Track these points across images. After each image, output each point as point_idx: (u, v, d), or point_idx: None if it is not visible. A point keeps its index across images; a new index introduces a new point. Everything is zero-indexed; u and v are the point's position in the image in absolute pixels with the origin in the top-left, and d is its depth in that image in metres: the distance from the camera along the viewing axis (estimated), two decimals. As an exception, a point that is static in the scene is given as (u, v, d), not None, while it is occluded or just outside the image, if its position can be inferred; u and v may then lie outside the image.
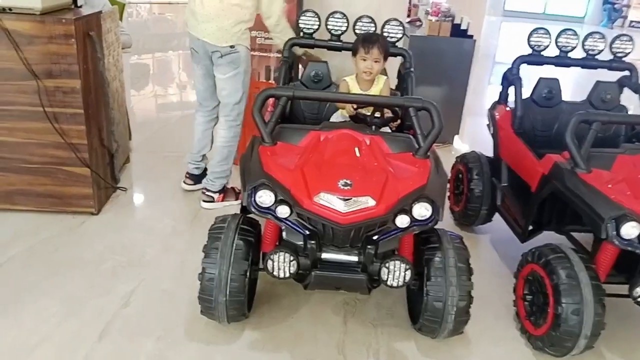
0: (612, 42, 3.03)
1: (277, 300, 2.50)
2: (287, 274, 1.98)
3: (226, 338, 2.24)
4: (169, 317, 2.35)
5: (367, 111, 2.54)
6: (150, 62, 7.85)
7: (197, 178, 3.51)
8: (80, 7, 3.42)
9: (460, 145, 4.82)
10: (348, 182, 1.99)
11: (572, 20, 16.80)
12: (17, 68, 2.73)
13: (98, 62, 3.00)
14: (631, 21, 16.28)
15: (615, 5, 16.36)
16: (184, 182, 3.55)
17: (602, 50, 3.04)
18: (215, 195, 3.33)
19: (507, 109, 3.04)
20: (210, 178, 3.32)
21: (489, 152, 3.18)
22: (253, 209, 2.04)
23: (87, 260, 2.73)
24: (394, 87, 3.10)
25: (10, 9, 2.66)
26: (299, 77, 3.13)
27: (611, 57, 3.05)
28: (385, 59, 2.73)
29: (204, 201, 3.33)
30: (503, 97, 3.12)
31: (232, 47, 3.02)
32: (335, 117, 2.85)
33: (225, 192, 3.38)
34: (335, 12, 2.98)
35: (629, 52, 3.04)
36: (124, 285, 2.55)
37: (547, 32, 3.01)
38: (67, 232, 2.97)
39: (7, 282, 2.52)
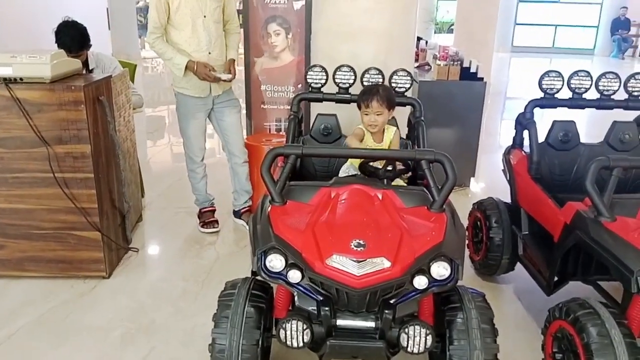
0: (627, 81, 2.96)
1: (292, 367, 2.40)
2: (301, 344, 1.88)
3: (240, 410, 2.13)
4: (181, 388, 2.25)
5: (378, 164, 2.48)
6: (166, 114, 7.95)
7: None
8: (92, 71, 3.50)
9: (477, 187, 4.72)
10: (361, 242, 1.91)
11: (581, 52, 16.85)
12: (27, 136, 2.76)
13: (108, 125, 3.01)
14: (642, 51, 16.26)
15: (624, 36, 16.37)
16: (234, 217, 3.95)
17: (617, 90, 2.97)
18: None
19: (523, 153, 2.97)
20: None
21: (506, 195, 3.08)
22: (263, 274, 1.96)
23: (96, 327, 2.66)
24: (404, 137, 3.06)
25: (20, 79, 2.70)
26: (309, 130, 3.10)
27: (626, 96, 2.98)
28: (389, 109, 2.69)
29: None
30: (518, 142, 3.04)
31: (231, 88, 3.54)
32: (345, 168, 2.80)
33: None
34: (343, 65, 2.97)
35: (646, 91, 2.97)
36: (133, 354, 2.48)
37: (559, 75, 2.95)
38: (78, 298, 2.92)
39: (15, 353, 2.46)
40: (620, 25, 16.31)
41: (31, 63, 2.67)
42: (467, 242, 3.28)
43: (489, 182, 4.84)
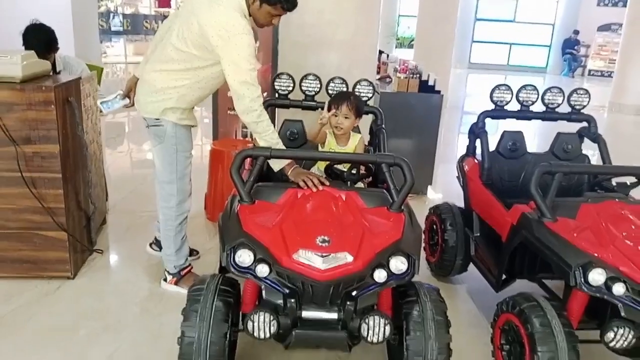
0: (570, 95, 3.21)
1: (258, 360, 2.49)
2: (268, 335, 1.98)
3: (207, 402, 2.20)
4: (148, 383, 2.31)
5: (343, 167, 2.63)
6: (125, 121, 7.91)
7: (160, 244, 3.22)
8: (59, 72, 3.52)
9: (434, 195, 4.94)
10: (326, 238, 2.04)
11: (534, 70, 17.65)
12: (-5, 135, 2.77)
13: (77, 126, 3.05)
14: (590, 70, 17.18)
15: (575, 56, 17.26)
16: (150, 244, 3.46)
17: (560, 104, 3.21)
18: (169, 277, 3.05)
19: (475, 161, 3.17)
20: (162, 256, 3.08)
21: (461, 201, 3.28)
22: (232, 269, 2.06)
23: (62, 327, 2.68)
24: (367, 143, 3.21)
25: (-10, 79, 2.72)
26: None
27: (569, 109, 3.23)
28: (356, 116, 2.84)
29: (163, 279, 3.10)
30: (470, 150, 3.26)
31: (157, 119, 2.75)
32: (312, 171, 2.92)
33: (180, 277, 3.04)
34: (309, 74, 3.11)
35: (586, 105, 3.22)
36: (99, 352, 2.51)
37: (509, 88, 3.18)
38: (42, 298, 2.92)
39: (-21, 353, 2.45)
40: (570, 45, 17.19)
41: (2, 63, 2.70)
42: (424, 245, 3.46)
43: (445, 190, 5.06)
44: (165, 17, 15.35)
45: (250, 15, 2.60)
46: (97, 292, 3.02)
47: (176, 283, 3.04)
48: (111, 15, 14.53)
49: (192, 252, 3.33)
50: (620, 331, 2.04)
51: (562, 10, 17.64)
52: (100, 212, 3.74)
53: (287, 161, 2.55)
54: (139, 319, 2.80)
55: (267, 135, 2.59)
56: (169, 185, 2.88)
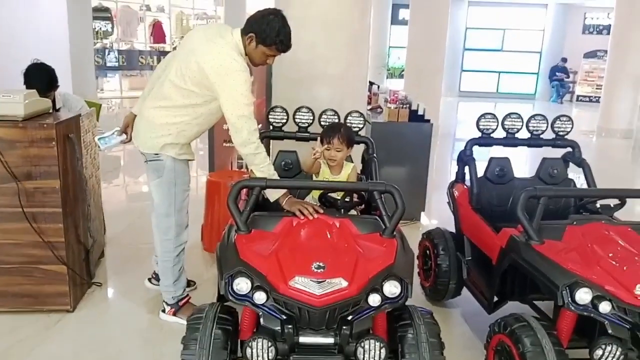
0: (554, 122, 3.33)
1: (257, 387, 2.51)
2: (267, 360, 2.03)
3: None
4: (149, 413, 2.34)
5: (337, 195, 2.72)
6: (122, 155, 8.01)
7: (158, 278, 3.24)
8: (59, 110, 3.62)
9: (427, 221, 5.02)
10: (321, 264, 2.11)
11: (523, 97, 17.97)
12: (-3, 171, 2.85)
13: (77, 162, 3.13)
14: (578, 96, 17.50)
15: (563, 82, 17.63)
16: (149, 279, 3.47)
17: (544, 130, 3.33)
18: (167, 308, 3.10)
19: (464, 187, 3.27)
20: (161, 288, 3.14)
21: (453, 227, 3.36)
22: (230, 297, 2.12)
23: (63, 359, 2.71)
24: (359, 172, 3.31)
25: (-7, 117, 2.82)
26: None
27: (554, 135, 3.35)
28: (348, 146, 2.94)
29: (161, 310, 3.15)
30: (460, 176, 3.36)
31: (156, 154, 2.83)
32: (307, 200, 3.01)
33: (179, 308, 3.09)
34: (302, 106, 3.23)
35: (570, 131, 3.34)
36: (102, 382, 2.55)
37: (494, 117, 3.30)
38: (43, 331, 2.96)
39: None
40: (558, 70, 17.57)
41: (5, 102, 2.80)
42: (417, 270, 3.53)
43: (439, 216, 5.14)
44: (160, 52, 15.73)
45: (246, 54, 2.73)
46: (97, 324, 3.06)
47: (174, 314, 3.08)
48: (106, 51, 14.78)
49: (190, 283, 3.38)
50: (608, 348, 2.10)
51: (549, 38, 18.09)
52: (99, 245, 3.79)
53: (283, 192, 2.63)
54: (140, 349, 2.84)
55: (264, 167, 2.69)
56: (167, 218, 2.95)
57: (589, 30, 17.84)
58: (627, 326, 2.13)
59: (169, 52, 15.00)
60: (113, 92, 14.93)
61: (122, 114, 12.33)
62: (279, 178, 2.79)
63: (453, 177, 3.51)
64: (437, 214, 5.23)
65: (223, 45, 2.65)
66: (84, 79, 11.11)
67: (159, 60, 14.87)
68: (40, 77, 3.49)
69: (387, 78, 16.48)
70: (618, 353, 2.10)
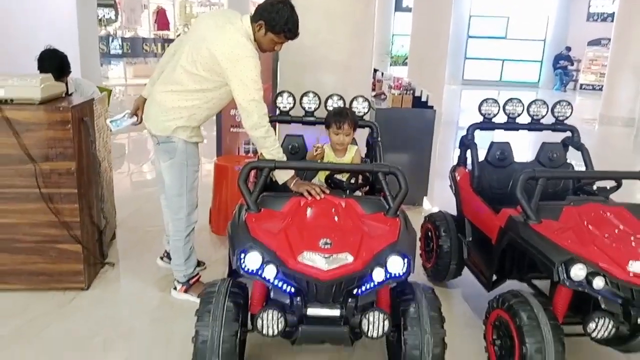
0: (553, 107, 3.42)
1: (265, 361, 2.64)
2: (276, 331, 2.14)
3: (219, 400, 2.35)
4: (162, 384, 2.46)
5: (342, 177, 2.82)
6: (126, 142, 8.10)
7: (169, 256, 3.38)
8: (71, 94, 3.72)
9: (429, 206, 5.12)
10: (328, 241, 2.22)
11: (527, 85, 17.98)
12: (15, 153, 2.95)
13: (91, 145, 3.24)
14: (581, 84, 17.51)
15: (566, 70, 17.62)
16: (160, 257, 3.59)
17: (545, 115, 3.42)
18: (178, 285, 3.22)
19: (466, 170, 3.37)
20: (172, 266, 3.26)
21: (454, 211, 3.46)
22: (242, 272, 2.23)
23: (77, 335, 2.83)
24: (363, 155, 3.41)
25: (11, 100, 2.91)
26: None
27: (553, 120, 3.44)
28: (354, 130, 3.04)
29: (173, 288, 3.27)
30: (462, 160, 3.45)
31: (168, 137, 2.93)
32: (314, 182, 3.11)
33: (190, 286, 3.21)
34: (309, 91, 3.32)
35: (569, 116, 3.43)
36: (115, 358, 2.66)
37: (496, 101, 3.39)
38: (58, 308, 3.07)
39: (0, 360, 2.60)
40: (562, 59, 17.55)
41: (22, 86, 2.90)
42: (420, 252, 3.63)
43: (440, 201, 5.23)
44: (164, 39, 15.76)
45: (255, 40, 2.81)
46: (111, 302, 3.18)
47: (186, 291, 3.20)
48: (110, 38, 14.83)
49: (200, 263, 3.49)
50: (601, 322, 2.20)
51: (553, 26, 18.07)
52: (111, 227, 3.90)
53: (291, 174, 2.73)
54: (152, 325, 2.95)
55: (273, 150, 2.79)
56: (179, 198, 3.05)
57: (593, 18, 17.80)
58: (619, 301, 2.23)
59: (172, 39, 15.08)
60: (117, 80, 15.00)
61: (127, 102, 12.42)
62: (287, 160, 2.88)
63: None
64: (439, 200, 5.31)
65: (233, 31, 2.74)
66: (88, 67, 11.16)
67: (162, 48, 14.93)
68: (53, 63, 3.59)
69: (390, 65, 16.52)
70: (610, 326, 2.20)
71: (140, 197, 5.40)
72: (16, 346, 2.73)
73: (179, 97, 2.88)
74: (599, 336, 2.23)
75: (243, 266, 2.22)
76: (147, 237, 4.14)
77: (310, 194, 2.56)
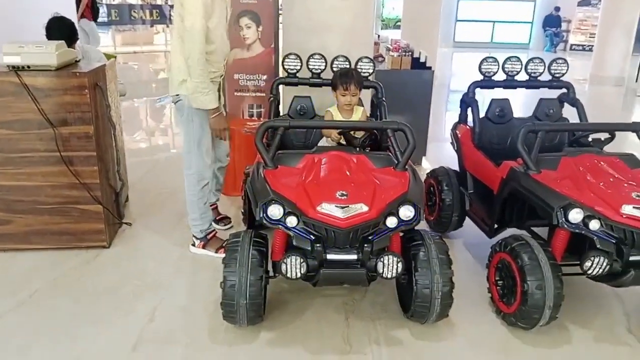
0: (550, 65, 3.57)
1: (285, 306, 2.83)
2: (299, 275, 2.33)
3: (246, 339, 2.56)
4: (192, 327, 2.65)
5: (353, 135, 2.98)
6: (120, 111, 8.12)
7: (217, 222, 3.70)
8: (79, 61, 3.79)
9: (428, 165, 5.29)
10: (344, 192, 2.39)
11: (517, 47, 17.98)
12: (35, 118, 3.05)
13: (106, 109, 3.34)
14: (572, 45, 17.56)
15: (556, 31, 17.65)
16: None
17: (542, 73, 3.56)
18: (197, 241, 3.36)
19: (467, 127, 3.52)
20: (189, 222, 3.38)
21: (453, 167, 3.64)
22: (265, 222, 2.40)
23: (107, 287, 3.01)
24: (368, 114, 3.55)
25: (28, 67, 3.00)
26: (288, 110, 3.53)
27: (550, 77, 3.59)
28: (360, 90, 3.17)
29: (191, 244, 3.41)
30: (463, 118, 3.61)
31: (177, 95, 3.07)
32: (322, 143, 3.26)
33: (207, 241, 3.35)
34: (315, 53, 3.43)
35: (565, 73, 3.58)
36: (145, 305, 2.84)
37: (495, 60, 3.52)
38: (84, 264, 3.24)
39: (36, 312, 2.77)
40: (551, 21, 17.56)
41: (38, 52, 2.98)
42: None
43: (437, 160, 5.40)
44: (152, 5, 15.46)
45: None
46: (133, 258, 3.35)
47: (204, 247, 3.36)
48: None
49: (226, 219, 3.77)
50: (597, 260, 2.40)
51: (543, -14, 17.97)
52: (125, 189, 4.03)
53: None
54: (175, 277, 3.13)
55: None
56: (188, 155, 3.17)
57: (584, -22, 17.71)
58: (613, 241, 2.43)
59: (160, 5, 14.84)
60: (106, 48, 14.75)
61: (118, 71, 12.33)
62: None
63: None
64: (436, 159, 5.48)
65: None
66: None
67: (151, 14, 14.68)
68: (62, 30, 3.64)
69: (381, 29, 16.45)
70: (605, 264, 2.40)
71: (149, 161, 5.52)
72: (54, 297, 2.90)
73: (176, 52, 2.98)
74: (594, 273, 2.43)
75: (267, 216, 2.38)
76: (160, 198, 4.29)
77: (220, 137, 3.05)
